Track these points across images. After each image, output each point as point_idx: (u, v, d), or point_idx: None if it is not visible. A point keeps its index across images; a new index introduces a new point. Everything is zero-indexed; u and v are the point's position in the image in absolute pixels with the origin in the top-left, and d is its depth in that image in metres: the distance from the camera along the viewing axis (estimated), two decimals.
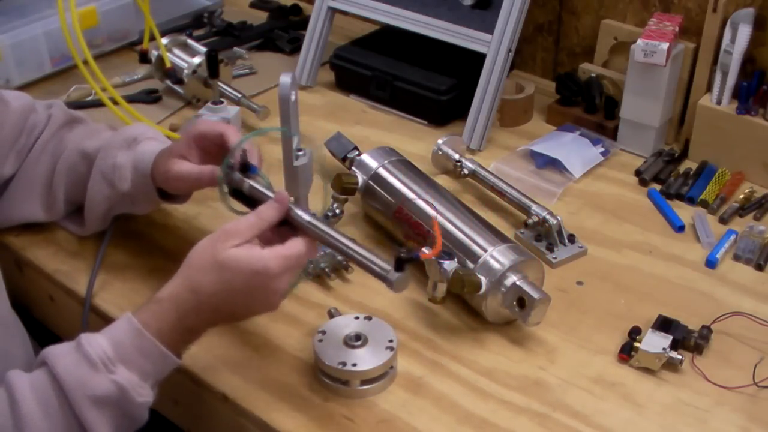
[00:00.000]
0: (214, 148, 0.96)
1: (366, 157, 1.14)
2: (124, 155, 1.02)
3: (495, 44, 1.28)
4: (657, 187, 1.21)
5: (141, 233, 1.12)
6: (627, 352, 0.93)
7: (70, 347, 0.82)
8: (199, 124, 0.98)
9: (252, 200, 0.90)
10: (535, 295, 0.93)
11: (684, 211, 1.16)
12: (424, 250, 0.84)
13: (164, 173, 0.97)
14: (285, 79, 0.94)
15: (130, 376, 0.80)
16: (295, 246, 0.83)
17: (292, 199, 0.87)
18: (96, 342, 0.80)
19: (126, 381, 0.80)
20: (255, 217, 0.84)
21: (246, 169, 0.90)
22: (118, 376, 0.79)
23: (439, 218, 1.02)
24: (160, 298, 0.83)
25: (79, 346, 0.81)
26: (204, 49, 1.38)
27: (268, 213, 0.84)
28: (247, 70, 1.51)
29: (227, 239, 0.82)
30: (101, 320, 1.01)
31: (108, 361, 0.80)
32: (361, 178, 1.12)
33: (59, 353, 0.81)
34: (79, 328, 0.99)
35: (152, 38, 1.37)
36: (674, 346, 0.92)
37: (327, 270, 1.04)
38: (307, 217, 0.85)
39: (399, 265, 0.79)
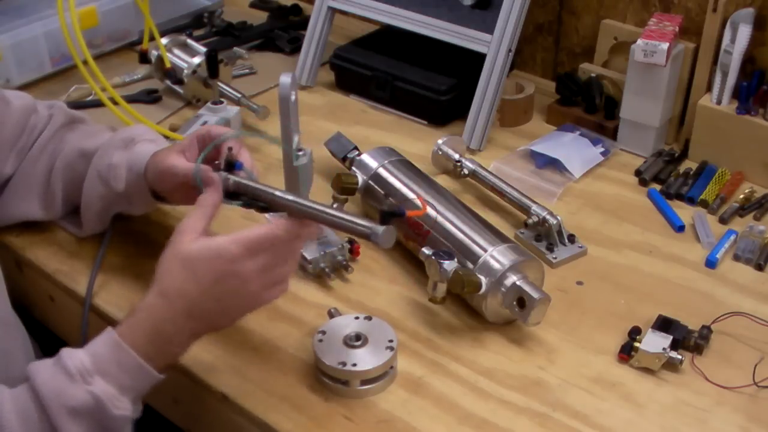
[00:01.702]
0: (215, 154, 0.94)
1: (366, 157, 1.14)
2: (120, 155, 1.02)
3: (495, 44, 1.28)
4: (657, 187, 1.21)
5: (140, 233, 1.12)
6: (627, 352, 0.93)
7: (51, 361, 0.82)
8: (209, 127, 0.97)
9: (243, 195, 0.88)
10: (535, 295, 0.93)
11: (684, 211, 1.16)
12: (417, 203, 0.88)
13: (156, 166, 0.97)
14: (285, 79, 0.94)
15: (107, 388, 0.80)
16: (258, 229, 0.81)
17: (230, 178, 0.86)
18: (75, 355, 0.81)
19: (102, 392, 0.79)
20: (198, 206, 0.84)
21: (231, 167, 0.89)
22: (94, 387, 0.79)
23: (439, 219, 1.02)
24: (136, 309, 0.83)
25: (58, 359, 0.81)
26: (204, 49, 1.38)
27: (206, 198, 0.85)
28: (247, 70, 1.51)
29: (183, 236, 0.82)
30: (101, 320, 1.01)
31: (86, 372, 0.79)
32: (361, 178, 1.12)
33: (40, 367, 0.81)
34: (79, 328, 0.99)
35: (152, 38, 1.37)
36: (674, 346, 0.92)
37: (327, 270, 1.04)
38: (247, 182, 0.84)
39: (384, 220, 0.78)
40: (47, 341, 1.14)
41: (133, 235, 1.11)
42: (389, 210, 0.79)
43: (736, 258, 1.08)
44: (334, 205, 1.09)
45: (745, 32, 1.17)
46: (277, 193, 0.84)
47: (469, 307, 1.00)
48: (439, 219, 1.02)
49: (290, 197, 0.83)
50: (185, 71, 1.37)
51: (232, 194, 0.88)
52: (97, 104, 1.35)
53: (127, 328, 0.82)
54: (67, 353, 0.81)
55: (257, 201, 0.87)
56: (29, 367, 0.82)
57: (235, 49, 1.56)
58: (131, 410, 0.82)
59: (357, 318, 0.94)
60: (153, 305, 0.82)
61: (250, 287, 0.81)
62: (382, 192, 1.10)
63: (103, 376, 0.80)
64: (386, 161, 1.12)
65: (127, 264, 1.07)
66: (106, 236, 1.07)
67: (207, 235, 0.82)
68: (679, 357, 0.91)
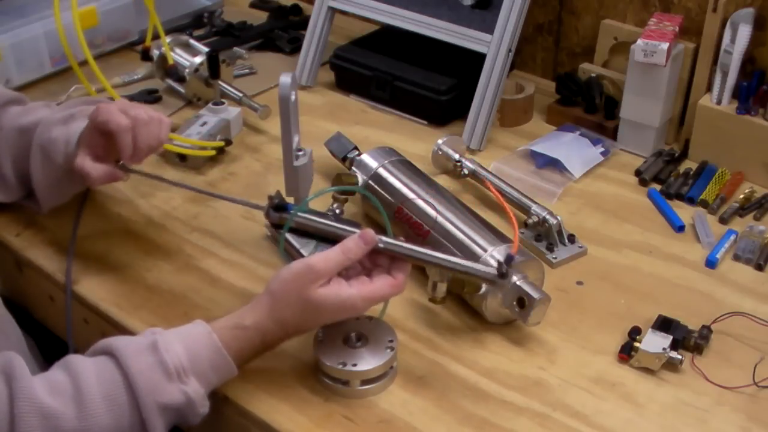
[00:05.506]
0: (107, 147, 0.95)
1: (366, 157, 1.14)
2: (59, 130, 1.03)
3: (495, 44, 1.28)
4: (657, 187, 1.21)
5: (139, 233, 1.12)
6: (627, 352, 0.93)
7: (144, 347, 0.81)
8: (100, 113, 0.95)
9: (303, 232, 0.91)
10: (535, 295, 0.93)
11: (684, 211, 1.16)
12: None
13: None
14: (285, 79, 0.94)
15: (199, 389, 0.82)
16: (383, 288, 0.86)
17: (376, 237, 0.87)
18: (173, 349, 0.81)
19: (195, 393, 0.81)
20: (341, 255, 0.85)
21: (283, 208, 0.91)
22: (189, 388, 0.81)
23: (439, 219, 1.02)
24: (245, 326, 0.85)
25: (155, 350, 0.81)
26: (206, 49, 1.38)
27: (354, 251, 0.86)
28: (247, 70, 1.51)
29: (315, 279, 0.84)
30: (92, 313, 1.01)
31: (183, 371, 0.81)
32: (361, 178, 1.12)
33: (133, 351, 0.81)
34: (79, 328, 0.99)
35: (155, 37, 1.37)
36: (674, 346, 0.92)
37: None
38: (399, 244, 0.88)
39: (502, 274, 0.89)
40: (47, 341, 1.14)
41: (132, 235, 1.11)
42: (507, 265, 0.90)
43: (736, 258, 1.08)
44: (334, 205, 1.09)
45: (745, 32, 1.17)
46: (417, 248, 0.89)
47: (469, 307, 1.00)
48: (439, 219, 1.02)
49: (429, 252, 0.89)
50: (187, 71, 1.37)
51: (297, 231, 0.91)
52: None
53: (233, 339, 0.84)
54: (163, 344, 0.81)
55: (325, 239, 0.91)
56: (115, 344, 0.81)
57: (235, 49, 1.56)
58: (209, 405, 0.84)
59: (357, 318, 0.94)
60: (267, 329, 0.85)
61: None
62: (383, 192, 1.10)
63: (198, 377, 0.82)
64: (386, 161, 1.12)
65: (127, 264, 1.07)
66: (76, 223, 1.08)
67: (336, 280, 0.85)
68: (679, 357, 0.91)
